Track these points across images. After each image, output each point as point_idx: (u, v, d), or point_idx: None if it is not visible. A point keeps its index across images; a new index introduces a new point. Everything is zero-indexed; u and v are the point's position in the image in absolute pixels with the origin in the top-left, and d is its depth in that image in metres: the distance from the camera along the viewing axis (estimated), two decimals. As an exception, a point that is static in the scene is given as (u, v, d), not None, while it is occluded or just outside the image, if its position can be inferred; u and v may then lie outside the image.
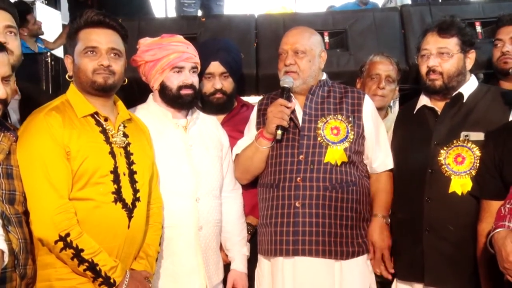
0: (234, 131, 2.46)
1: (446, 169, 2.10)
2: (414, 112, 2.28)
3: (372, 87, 2.59)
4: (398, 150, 2.24)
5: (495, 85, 2.59)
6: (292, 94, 2.25)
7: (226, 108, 2.54)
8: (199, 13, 4.39)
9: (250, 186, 2.41)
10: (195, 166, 2.18)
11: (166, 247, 2.11)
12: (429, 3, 3.64)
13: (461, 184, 2.07)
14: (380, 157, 2.26)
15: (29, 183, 1.75)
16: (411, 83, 3.03)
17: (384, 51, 2.73)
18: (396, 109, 2.99)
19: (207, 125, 2.33)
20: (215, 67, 2.45)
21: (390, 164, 2.27)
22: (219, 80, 2.46)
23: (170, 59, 2.17)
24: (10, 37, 2.02)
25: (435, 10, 3.10)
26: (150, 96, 2.30)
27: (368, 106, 2.27)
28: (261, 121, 2.33)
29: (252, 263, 2.34)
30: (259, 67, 3.08)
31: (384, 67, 2.62)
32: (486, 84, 2.34)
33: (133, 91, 2.74)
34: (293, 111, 2.22)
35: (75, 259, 1.74)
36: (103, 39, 1.87)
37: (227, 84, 2.48)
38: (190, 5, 4.24)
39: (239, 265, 2.29)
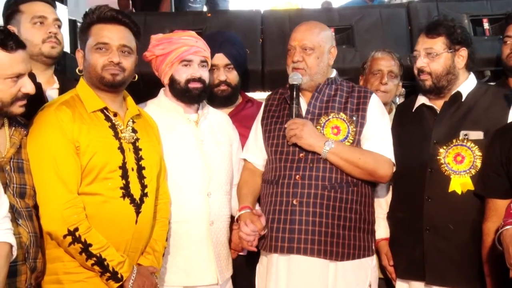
0: (241, 127, 2.45)
1: (446, 168, 2.10)
2: (413, 111, 2.27)
3: (375, 83, 2.59)
4: (397, 148, 2.22)
5: (504, 82, 2.59)
6: (299, 92, 2.22)
7: (231, 101, 2.54)
8: (205, 8, 4.38)
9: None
10: (207, 161, 2.19)
11: (178, 241, 2.12)
12: (437, 0, 3.62)
13: (461, 183, 2.07)
14: (374, 138, 2.17)
15: (39, 177, 1.76)
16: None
17: (391, 48, 2.72)
18: (401, 105, 2.97)
19: (217, 120, 2.33)
20: (219, 58, 2.45)
21: (383, 150, 2.16)
22: (223, 72, 2.46)
23: (179, 52, 2.17)
24: (58, 29, 2.24)
25: (442, 7, 3.07)
26: (161, 91, 2.31)
27: (374, 105, 2.21)
28: (266, 117, 2.32)
29: (254, 261, 2.33)
30: (265, 63, 3.07)
31: (386, 63, 2.61)
32: (485, 83, 2.36)
33: (139, 86, 2.74)
34: (299, 108, 2.20)
35: (83, 254, 1.75)
36: (115, 35, 1.88)
37: (232, 77, 2.48)
38: (196, 1, 4.24)
39: None
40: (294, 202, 2.11)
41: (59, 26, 2.24)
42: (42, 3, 2.22)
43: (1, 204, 1.59)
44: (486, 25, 2.99)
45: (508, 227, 1.66)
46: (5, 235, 1.57)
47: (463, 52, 2.17)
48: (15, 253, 1.59)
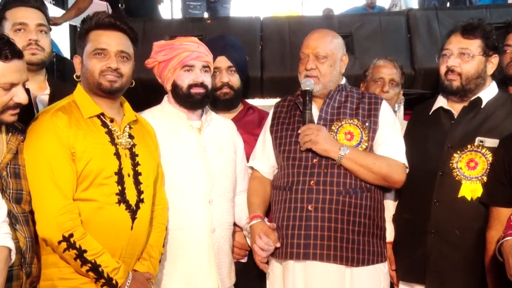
0: (244, 133, 2.44)
1: (458, 173, 2.08)
2: (430, 113, 2.26)
3: (376, 91, 2.58)
4: (411, 149, 2.22)
5: (504, 91, 2.58)
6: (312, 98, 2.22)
7: (233, 105, 2.53)
8: (205, 15, 4.38)
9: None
10: (209, 168, 2.18)
11: (180, 249, 2.11)
12: (436, 8, 3.64)
13: (471, 189, 2.06)
14: (387, 143, 2.17)
15: (34, 183, 1.76)
16: (417, 87, 3.01)
17: (390, 55, 2.72)
18: (401, 113, 2.98)
19: (221, 127, 2.33)
20: (222, 61, 2.45)
21: (397, 155, 2.16)
22: (226, 75, 2.45)
23: (181, 58, 2.17)
24: (42, 34, 2.18)
25: (442, 15, 3.09)
26: (165, 97, 2.31)
27: (385, 111, 2.22)
28: (275, 124, 2.31)
29: (256, 268, 2.31)
30: (264, 70, 3.08)
31: (388, 71, 2.61)
32: (506, 92, 2.32)
33: (138, 92, 2.74)
34: (311, 115, 2.20)
35: (78, 260, 1.75)
36: (113, 41, 1.89)
37: (234, 80, 2.48)
38: (196, 7, 4.24)
39: None
40: (309, 208, 2.10)
41: (44, 32, 2.20)
42: (25, 8, 2.17)
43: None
44: (485, 34, 2.99)
45: (508, 238, 1.66)
46: (4, 239, 1.57)
47: (495, 59, 2.16)
48: (13, 257, 1.60)
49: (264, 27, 3.19)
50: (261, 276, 2.30)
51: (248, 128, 2.49)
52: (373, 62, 2.68)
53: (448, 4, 4.85)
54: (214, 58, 2.37)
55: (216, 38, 2.69)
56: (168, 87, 2.24)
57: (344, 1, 6.87)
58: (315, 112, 2.24)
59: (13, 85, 1.67)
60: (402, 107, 2.98)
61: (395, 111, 2.82)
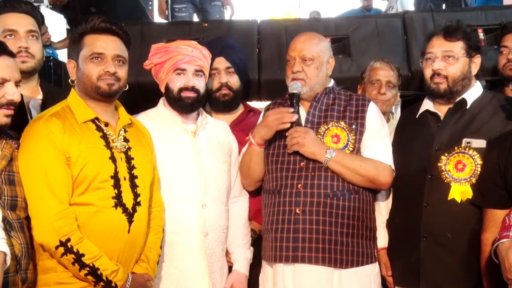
0: (244, 136, 2.43)
1: (446, 175, 2.08)
2: (417, 117, 2.26)
3: (373, 93, 2.59)
4: (399, 153, 2.23)
5: (500, 92, 2.58)
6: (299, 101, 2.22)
7: (233, 105, 2.53)
8: (195, 18, 4.35)
9: (254, 191, 2.39)
10: (203, 172, 2.18)
11: (172, 252, 2.11)
12: (432, 10, 3.66)
13: (460, 191, 2.06)
14: (373, 145, 2.19)
15: (30, 190, 1.76)
16: (414, 89, 3.03)
17: (387, 57, 2.73)
18: (397, 115, 2.99)
19: (216, 131, 2.33)
20: (220, 62, 2.45)
21: (383, 157, 2.18)
22: (224, 75, 2.46)
23: (174, 61, 2.18)
24: (32, 41, 2.14)
25: (438, 17, 3.10)
26: (161, 100, 2.31)
27: (372, 112, 2.23)
28: None
29: (254, 268, 2.33)
30: (261, 72, 3.09)
31: (385, 73, 2.62)
32: (491, 92, 2.32)
33: (135, 95, 2.75)
34: (299, 118, 2.20)
35: (76, 264, 1.75)
36: (109, 45, 1.89)
37: (233, 80, 2.48)
38: (181, 10, 4.18)
39: (241, 267, 2.27)
40: (297, 211, 2.11)
41: (35, 37, 2.15)
42: (16, 14, 2.13)
43: None
44: (481, 35, 3.01)
45: (504, 240, 1.66)
46: (0, 244, 1.56)
47: (477, 60, 2.16)
48: (9, 262, 1.59)
49: (261, 30, 3.20)
50: (256, 282, 2.30)
51: (248, 130, 2.45)
52: (370, 64, 2.69)
53: (443, 6, 4.87)
54: (213, 59, 2.38)
55: (215, 39, 2.70)
56: (162, 89, 2.25)
57: (341, 3, 6.91)
58: (303, 115, 2.24)
59: (4, 80, 1.67)
60: (399, 109, 3.00)
61: (392, 113, 2.84)
